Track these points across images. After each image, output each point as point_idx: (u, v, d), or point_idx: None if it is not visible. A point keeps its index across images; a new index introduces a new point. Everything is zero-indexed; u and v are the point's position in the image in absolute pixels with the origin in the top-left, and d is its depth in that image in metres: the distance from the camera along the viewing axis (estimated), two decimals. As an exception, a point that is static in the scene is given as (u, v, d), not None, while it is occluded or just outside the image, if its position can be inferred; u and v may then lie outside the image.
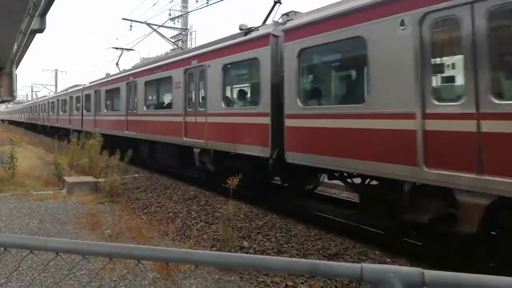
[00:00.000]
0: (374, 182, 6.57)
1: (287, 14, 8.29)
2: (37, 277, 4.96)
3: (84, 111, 21.53)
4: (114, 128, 16.87)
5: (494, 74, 4.68)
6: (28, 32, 8.95)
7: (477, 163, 4.67)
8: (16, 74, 13.12)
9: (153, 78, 13.44)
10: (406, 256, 5.86)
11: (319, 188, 9.99)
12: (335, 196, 10.05)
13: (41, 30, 9.20)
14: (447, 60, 5.56)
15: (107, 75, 19.77)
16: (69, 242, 1.72)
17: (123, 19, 22.23)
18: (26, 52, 13.85)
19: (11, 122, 63.56)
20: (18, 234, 6.93)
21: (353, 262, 2.37)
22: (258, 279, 5.21)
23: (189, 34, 23.32)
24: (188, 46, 22.43)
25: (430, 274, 1.27)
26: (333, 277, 4.31)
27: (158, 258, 1.64)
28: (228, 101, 9.79)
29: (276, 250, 6.42)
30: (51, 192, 10.57)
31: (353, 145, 6.12)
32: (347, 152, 6.20)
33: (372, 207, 6.41)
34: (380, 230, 6.86)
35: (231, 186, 6.40)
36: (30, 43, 11.72)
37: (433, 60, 5.31)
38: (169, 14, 23.26)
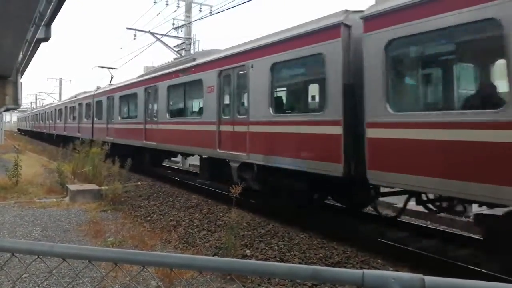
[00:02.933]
0: None
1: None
2: (41, 285, 4.98)
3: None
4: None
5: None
6: (34, 41, 9.04)
7: None
8: (21, 83, 13.26)
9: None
10: (409, 265, 5.84)
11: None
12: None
13: (46, 39, 9.30)
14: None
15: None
16: (74, 247, 1.75)
17: (127, 28, 22.44)
18: (31, 61, 13.97)
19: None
20: (21, 241, 6.95)
21: (355, 270, 2.38)
22: (261, 287, 5.21)
23: (192, 44, 23.47)
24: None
25: (431, 280, 1.29)
26: (335, 283, 4.33)
27: (162, 263, 1.67)
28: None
29: (278, 259, 6.42)
30: (54, 199, 10.61)
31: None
32: None
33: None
34: (383, 239, 6.85)
35: (234, 195, 6.42)
36: (35, 52, 11.84)
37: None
38: (173, 24, 23.44)
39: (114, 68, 28.61)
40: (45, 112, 40.83)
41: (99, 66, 27.69)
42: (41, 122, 43.56)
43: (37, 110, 54.40)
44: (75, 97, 26.31)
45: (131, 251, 1.65)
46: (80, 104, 23.93)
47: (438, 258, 5.85)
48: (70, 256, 1.70)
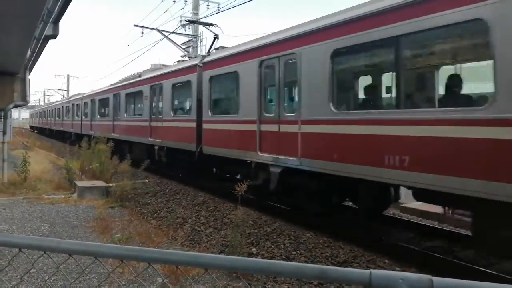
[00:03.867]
0: None
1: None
2: (48, 280, 5.01)
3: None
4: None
5: None
6: (42, 38, 9.07)
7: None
8: (29, 79, 13.28)
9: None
10: (415, 265, 5.80)
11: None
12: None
13: (54, 36, 9.34)
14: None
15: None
16: (81, 243, 1.75)
17: (135, 25, 22.44)
18: (39, 58, 14.04)
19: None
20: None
21: (362, 269, 2.36)
22: (267, 286, 5.20)
23: (199, 41, 23.46)
24: (199, 53, 22.60)
25: (439, 281, 1.27)
26: (342, 282, 4.32)
27: (169, 261, 1.66)
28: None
29: (284, 257, 6.41)
30: (62, 196, 10.68)
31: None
32: None
33: None
34: (389, 239, 6.81)
35: (240, 192, 6.41)
36: (43, 48, 11.89)
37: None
38: (180, 21, 23.46)
39: (214, 25, 16.05)
40: (74, 104, 27.88)
41: (187, 21, 18.08)
42: (65, 118, 31.19)
43: (59, 102, 39.04)
44: (145, 75, 15.52)
45: (137, 248, 1.65)
46: (161, 88, 13.55)
47: (444, 258, 5.81)
48: (77, 252, 1.71)
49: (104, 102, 20.97)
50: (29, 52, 10.37)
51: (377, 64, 7.33)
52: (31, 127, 64.70)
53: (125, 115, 17.31)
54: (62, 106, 33.64)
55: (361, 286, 1.35)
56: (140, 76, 15.96)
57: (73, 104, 28.82)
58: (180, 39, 24.29)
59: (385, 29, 5.92)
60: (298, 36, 7.72)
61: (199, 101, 11.09)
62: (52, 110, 39.95)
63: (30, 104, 35.68)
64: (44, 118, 47.30)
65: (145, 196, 11.31)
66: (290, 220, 8.14)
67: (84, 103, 25.22)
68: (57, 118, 36.31)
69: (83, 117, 25.19)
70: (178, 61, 13.48)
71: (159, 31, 21.30)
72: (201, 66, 11.24)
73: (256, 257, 6.47)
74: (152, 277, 5.22)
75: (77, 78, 79.83)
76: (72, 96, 32.03)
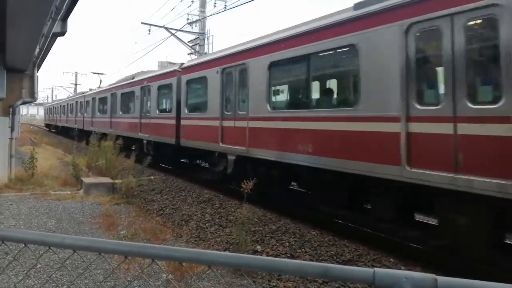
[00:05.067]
0: None
1: None
2: (53, 275, 5.05)
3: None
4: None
5: None
6: (50, 35, 9.14)
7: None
8: (37, 76, 13.36)
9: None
10: (421, 264, 5.78)
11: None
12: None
13: (62, 33, 9.40)
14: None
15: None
16: (85, 239, 1.76)
17: (142, 23, 22.54)
18: (48, 55, 14.14)
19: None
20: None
21: (366, 268, 2.35)
22: (271, 283, 5.21)
23: (206, 39, 23.49)
24: (205, 51, 22.62)
25: (443, 280, 1.26)
26: (345, 281, 4.32)
27: (172, 257, 1.67)
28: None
29: (289, 255, 6.41)
30: (69, 192, 10.76)
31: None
32: None
33: None
34: (395, 238, 6.78)
35: (246, 190, 6.41)
36: (52, 46, 11.97)
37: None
38: (187, 19, 23.51)
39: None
40: (144, 89, 15.98)
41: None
42: (120, 113, 19.00)
43: (100, 89, 25.31)
44: None
45: (141, 244, 1.65)
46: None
47: (451, 257, 5.78)
48: (81, 248, 1.71)
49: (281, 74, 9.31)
50: (37, 49, 10.43)
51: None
52: (47, 125, 52.11)
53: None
54: (112, 94, 20.64)
55: (365, 284, 1.34)
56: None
57: (142, 88, 16.34)
58: (187, 37, 24.33)
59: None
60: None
61: None
62: (89, 101, 25.97)
63: (38, 101, 33.71)
64: (70, 114, 32.81)
65: (150, 193, 11.36)
66: (296, 218, 8.13)
67: (188, 81, 12.70)
68: (97, 114, 23.81)
69: (186, 110, 12.73)
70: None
71: (166, 28, 21.37)
72: None
73: (260, 255, 6.47)
74: (157, 274, 5.25)
75: (85, 75, 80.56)
76: (137, 74, 18.20)
